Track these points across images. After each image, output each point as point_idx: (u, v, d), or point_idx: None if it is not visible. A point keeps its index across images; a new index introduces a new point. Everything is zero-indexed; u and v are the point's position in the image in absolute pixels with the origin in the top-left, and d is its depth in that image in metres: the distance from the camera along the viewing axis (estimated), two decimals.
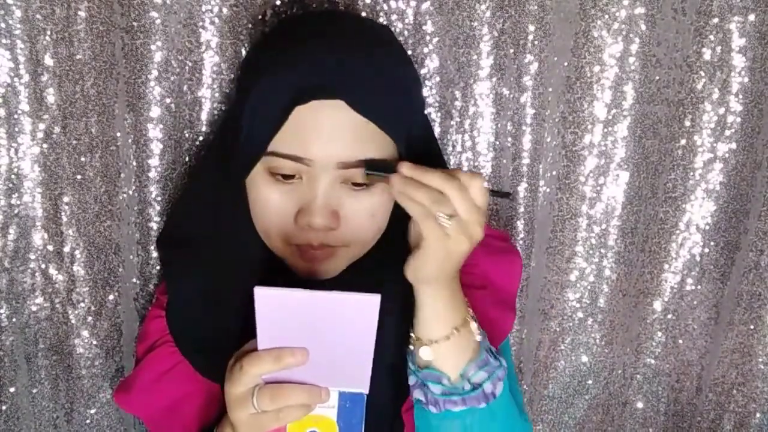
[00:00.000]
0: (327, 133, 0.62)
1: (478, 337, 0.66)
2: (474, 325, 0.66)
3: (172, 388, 0.75)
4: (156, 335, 0.77)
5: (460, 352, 0.65)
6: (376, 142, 0.64)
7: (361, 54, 0.64)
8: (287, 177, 0.65)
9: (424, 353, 0.65)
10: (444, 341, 0.65)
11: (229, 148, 0.69)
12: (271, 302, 0.55)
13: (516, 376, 0.86)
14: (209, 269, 0.74)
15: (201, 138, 0.87)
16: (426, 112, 0.88)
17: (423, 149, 0.71)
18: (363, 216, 0.66)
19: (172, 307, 0.76)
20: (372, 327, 0.57)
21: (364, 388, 0.62)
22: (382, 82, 0.64)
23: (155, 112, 0.85)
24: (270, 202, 0.66)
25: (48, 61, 0.81)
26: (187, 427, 0.75)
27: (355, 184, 0.65)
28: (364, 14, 0.84)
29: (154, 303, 0.83)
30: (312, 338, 0.57)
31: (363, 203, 0.66)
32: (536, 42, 0.86)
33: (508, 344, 0.82)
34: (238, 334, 0.65)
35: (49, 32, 0.80)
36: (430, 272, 0.62)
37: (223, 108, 0.86)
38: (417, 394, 0.67)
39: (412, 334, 0.67)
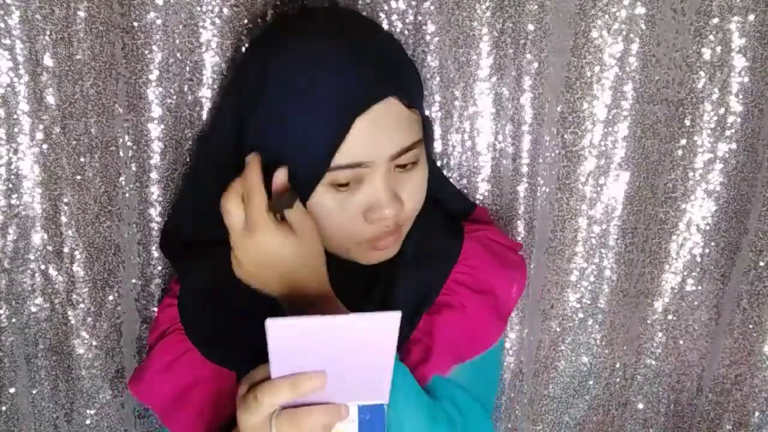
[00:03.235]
0: (380, 132, 0.65)
1: None
2: None
3: (182, 375, 0.76)
4: (167, 323, 0.79)
5: None
6: (413, 124, 0.69)
7: (387, 48, 0.70)
8: (345, 184, 0.67)
9: None
10: None
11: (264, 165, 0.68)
12: (284, 332, 0.53)
13: (494, 388, 0.85)
14: (218, 260, 0.74)
15: None
16: (426, 112, 0.89)
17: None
18: (417, 191, 0.72)
19: (183, 295, 0.78)
20: (392, 342, 0.55)
21: (384, 399, 0.60)
22: (409, 67, 0.71)
23: (155, 112, 0.85)
24: (337, 212, 0.68)
25: (47, 61, 0.81)
26: (195, 414, 0.75)
27: (403, 167, 0.69)
28: (364, 14, 0.84)
29: (168, 293, 0.84)
30: (329, 360, 0.55)
31: (414, 180, 0.71)
32: (536, 42, 0.86)
33: (497, 352, 0.81)
34: (248, 322, 0.65)
35: (48, 32, 0.80)
36: None
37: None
38: None
39: None
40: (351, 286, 0.69)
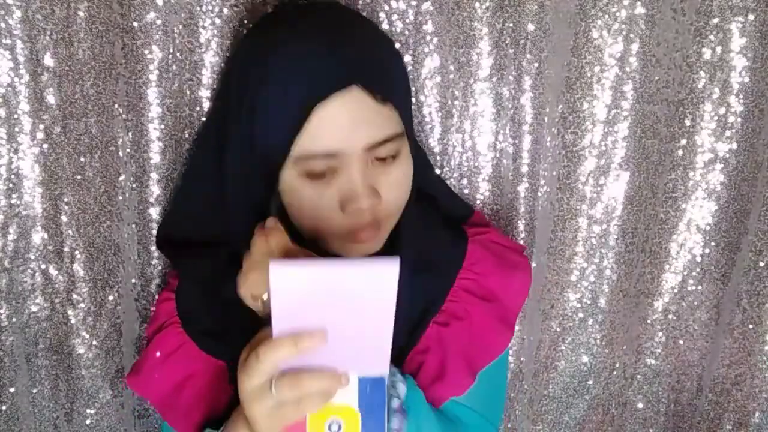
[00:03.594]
0: (351, 121, 0.65)
1: None
2: None
3: (178, 368, 0.76)
4: (165, 317, 0.79)
5: None
6: (390, 118, 0.68)
7: (361, 39, 0.68)
8: (321, 174, 0.67)
9: None
10: None
11: (240, 152, 0.71)
12: (287, 278, 0.53)
13: (501, 400, 0.85)
14: (217, 255, 0.75)
15: None
16: (426, 112, 0.89)
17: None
18: (398, 184, 0.71)
19: (182, 289, 0.79)
20: (392, 298, 0.54)
21: (384, 371, 0.59)
22: (385, 61, 0.69)
23: (155, 112, 0.85)
24: (313, 202, 0.68)
25: (48, 61, 0.82)
26: (192, 406, 0.75)
27: (382, 159, 0.68)
28: (364, 14, 0.84)
29: (166, 286, 0.84)
30: (329, 317, 0.55)
31: (395, 174, 0.70)
32: (536, 42, 0.86)
33: (502, 362, 0.81)
34: (245, 315, 0.66)
35: (49, 32, 0.80)
36: None
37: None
38: None
39: None
40: None
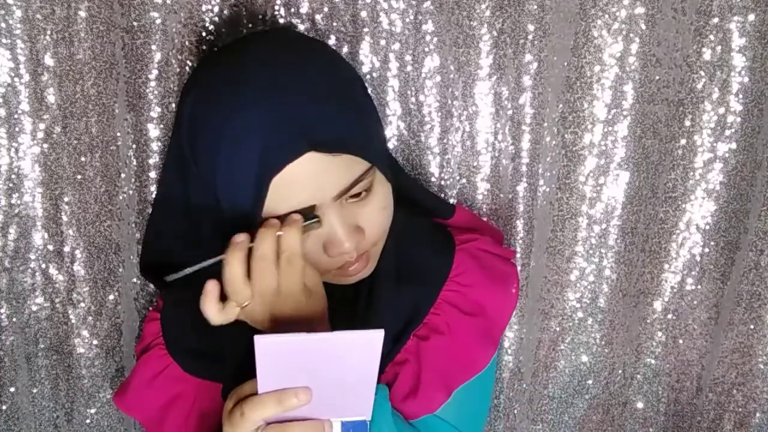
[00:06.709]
0: (313, 179, 0.63)
1: None
2: None
3: (164, 389, 0.76)
4: (150, 337, 0.79)
5: None
6: (348, 163, 0.64)
7: (309, 88, 0.64)
8: None
9: None
10: None
11: (207, 210, 0.69)
12: (271, 348, 0.54)
13: (483, 415, 0.84)
14: (200, 276, 0.74)
15: None
16: (426, 111, 0.89)
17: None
18: (378, 214, 0.69)
19: (166, 311, 0.79)
20: (375, 359, 0.56)
21: (367, 415, 0.61)
22: (339, 105, 0.65)
23: (155, 112, 0.85)
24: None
25: (48, 60, 0.82)
26: (179, 426, 0.75)
27: (356, 195, 0.67)
28: (364, 13, 0.84)
29: (154, 306, 0.84)
30: (314, 376, 0.57)
31: (372, 205, 0.68)
32: (536, 42, 0.86)
33: (487, 375, 0.79)
34: (229, 336, 0.65)
35: (49, 32, 0.81)
36: None
37: None
38: None
39: None
40: (335, 302, 0.68)
